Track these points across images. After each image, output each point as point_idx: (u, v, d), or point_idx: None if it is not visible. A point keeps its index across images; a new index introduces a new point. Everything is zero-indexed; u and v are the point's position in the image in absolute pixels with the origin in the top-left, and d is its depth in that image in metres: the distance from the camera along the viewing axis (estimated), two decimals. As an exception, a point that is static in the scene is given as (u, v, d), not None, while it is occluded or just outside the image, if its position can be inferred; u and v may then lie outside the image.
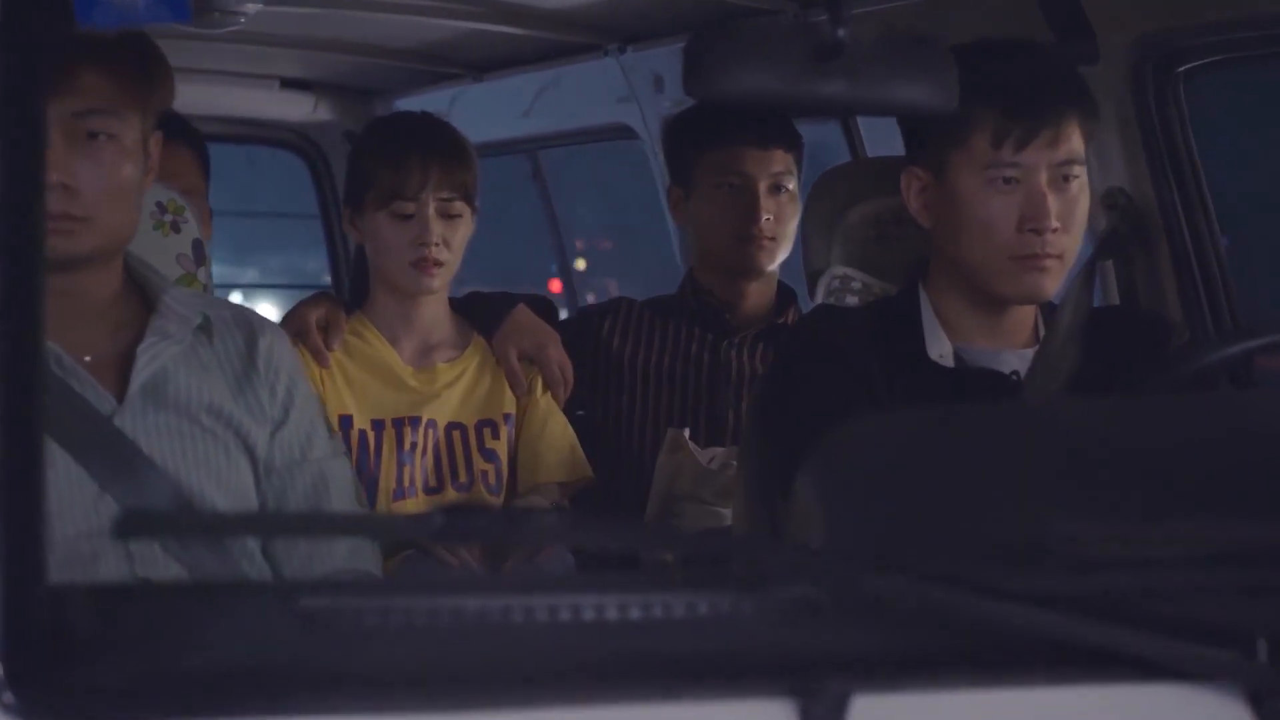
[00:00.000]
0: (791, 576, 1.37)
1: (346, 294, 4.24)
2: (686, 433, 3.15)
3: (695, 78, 1.75)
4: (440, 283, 3.09)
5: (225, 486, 2.20)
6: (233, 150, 5.05)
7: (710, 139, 3.38)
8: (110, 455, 2.10)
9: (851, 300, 2.66)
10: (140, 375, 2.20)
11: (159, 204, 2.48)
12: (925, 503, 1.49)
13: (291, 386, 2.32)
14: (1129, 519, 1.45)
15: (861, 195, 2.75)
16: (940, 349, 2.49)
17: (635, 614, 1.34)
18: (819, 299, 2.69)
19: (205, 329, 2.29)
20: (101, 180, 2.12)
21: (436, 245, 3.01)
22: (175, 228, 2.45)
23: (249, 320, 2.33)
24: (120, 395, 2.19)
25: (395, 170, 3.00)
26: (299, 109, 4.70)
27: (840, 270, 2.68)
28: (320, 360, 3.08)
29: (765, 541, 2.05)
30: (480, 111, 4.55)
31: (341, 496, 2.33)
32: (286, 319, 3.13)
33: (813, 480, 1.47)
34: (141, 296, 2.28)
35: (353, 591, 1.38)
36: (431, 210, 3.01)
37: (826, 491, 1.48)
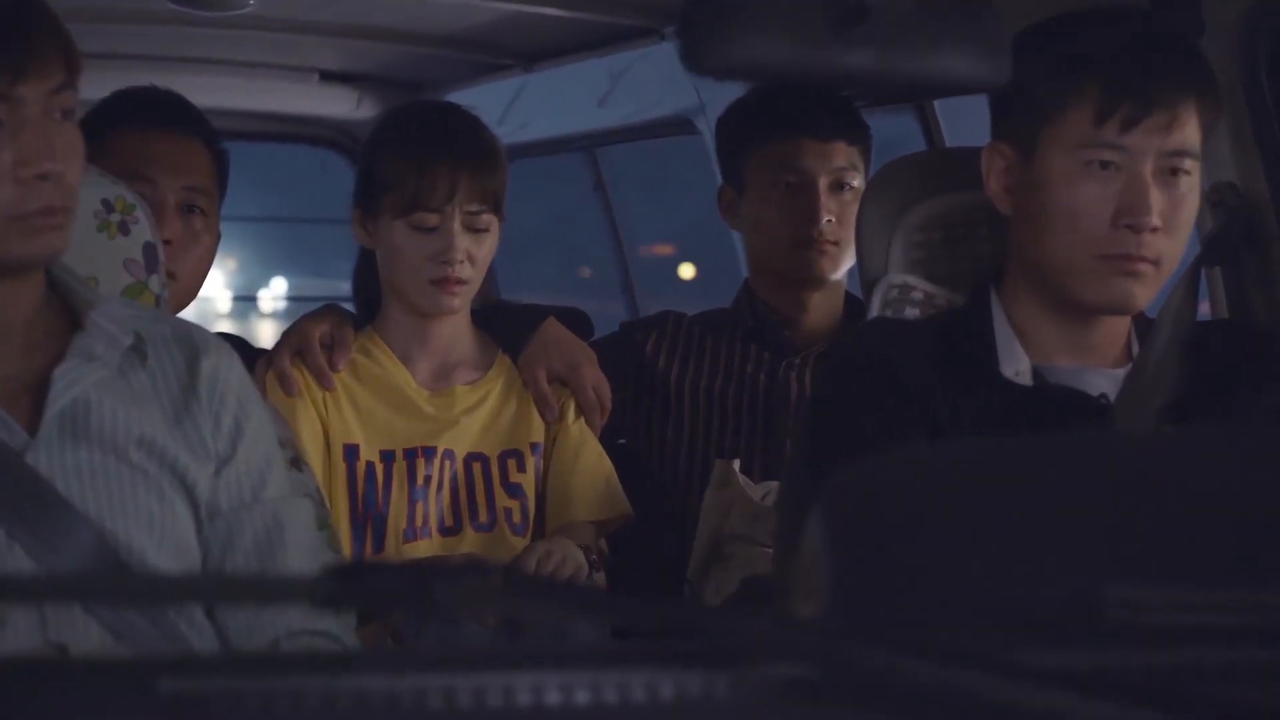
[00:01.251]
0: (780, 651, 1.16)
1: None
2: (737, 464, 2.92)
3: (694, 47, 1.53)
4: (462, 302, 2.84)
5: (158, 534, 1.96)
6: (308, 153, 4.92)
7: (763, 131, 3.13)
8: (20, 498, 1.88)
9: (911, 313, 2.42)
10: (56, 403, 1.96)
11: (104, 201, 2.24)
12: (950, 555, 1.20)
13: (241, 416, 2.08)
14: (1208, 580, 1.18)
15: (925, 192, 2.51)
16: (1016, 365, 2.24)
17: (582, 698, 1.13)
18: (874, 311, 2.46)
19: (138, 349, 2.05)
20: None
21: (461, 263, 2.78)
22: (123, 229, 2.20)
23: (191, 338, 2.08)
24: (33, 428, 1.96)
25: (420, 176, 2.76)
26: (341, 104, 4.51)
27: (899, 278, 2.44)
28: (324, 382, 2.85)
29: (746, 609, 1.82)
30: (533, 105, 4.37)
31: (300, 544, 2.07)
32: (287, 335, 2.90)
33: (818, 526, 1.20)
34: (67, 312, 2.05)
35: (228, 671, 1.18)
36: (457, 223, 2.77)
37: (832, 541, 1.19)
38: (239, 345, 3.04)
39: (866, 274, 2.50)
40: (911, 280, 2.43)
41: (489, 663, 1.14)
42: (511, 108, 4.42)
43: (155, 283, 2.22)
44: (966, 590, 1.22)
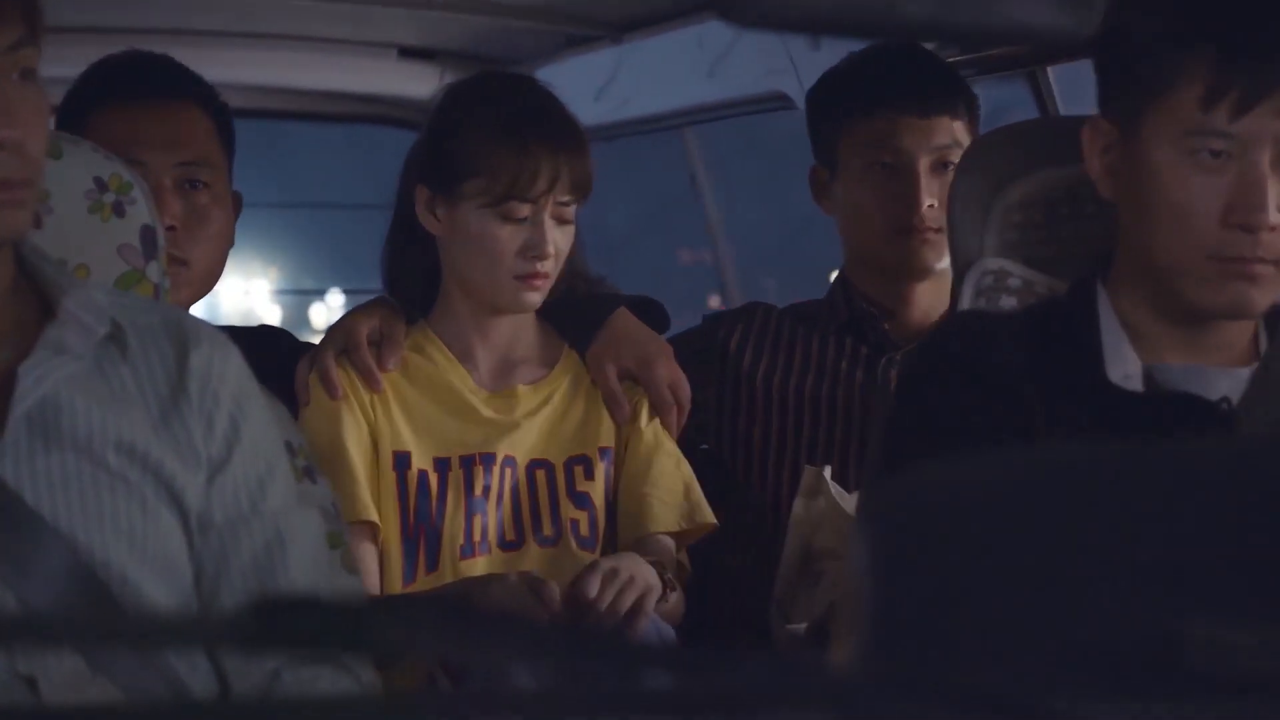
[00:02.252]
0: (802, 701, 1.00)
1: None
2: (828, 471, 2.74)
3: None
4: (542, 299, 2.67)
5: (140, 549, 1.79)
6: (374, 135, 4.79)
7: (857, 105, 2.90)
8: None
9: (1008, 302, 2.24)
10: (22, 402, 1.79)
11: (97, 179, 2.07)
12: (1012, 588, 1.00)
13: (238, 416, 1.89)
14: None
15: (1026, 166, 2.31)
16: (1125, 367, 2.03)
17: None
18: (966, 301, 2.28)
19: (118, 340, 1.87)
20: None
21: (550, 257, 2.62)
22: (118, 210, 2.03)
23: (181, 327, 1.90)
24: None
25: (519, 162, 2.58)
26: (422, 82, 4.29)
27: (994, 263, 2.25)
28: (371, 383, 2.67)
29: (766, 654, 1.65)
30: (633, 79, 4.20)
31: (306, 562, 1.89)
32: (331, 332, 2.70)
33: (858, 549, 1.03)
34: (40, 301, 1.87)
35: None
36: (548, 214, 2.61)
37: (872, 567, 1.02)
38: (284, 342, 2.91)
39: (959, 258, 2.32)
40: (1008, 265, 2.24)
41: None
42: (613, 81, 4.28)
43: (155, 270, 2.06)
44: (1027, 630, 1.06)
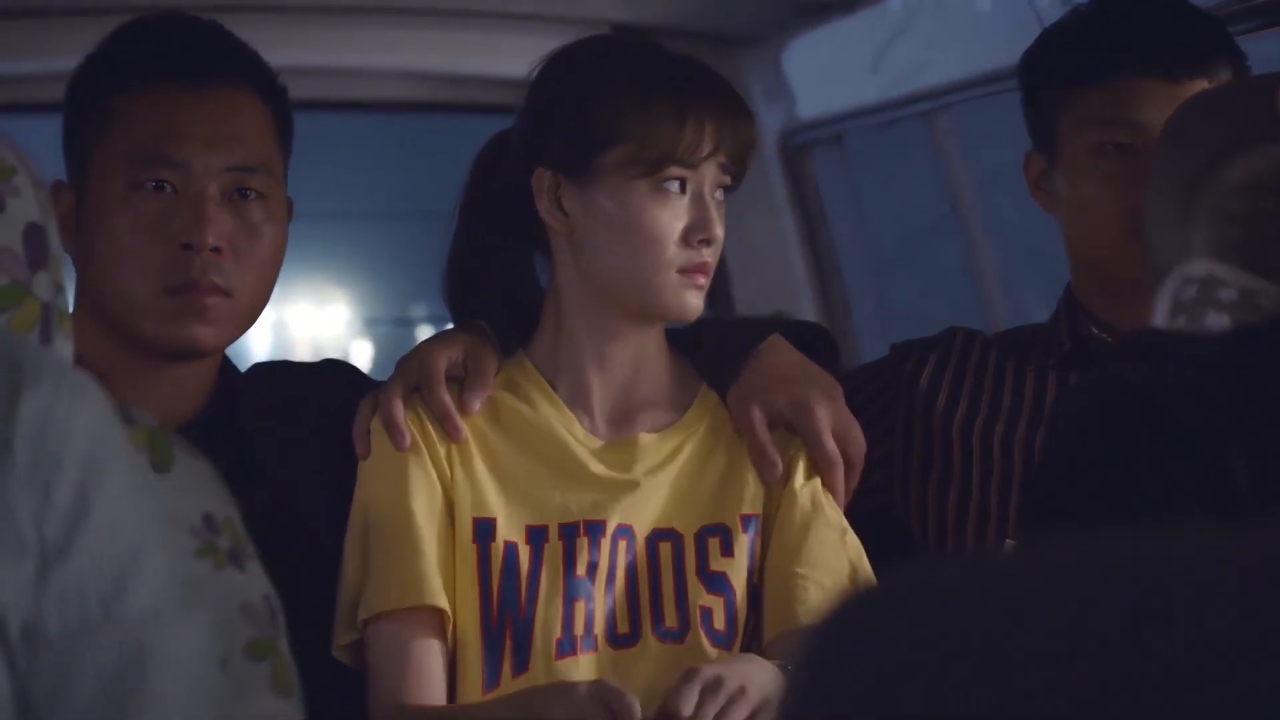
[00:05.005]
0: None
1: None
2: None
3: None
4: (703, 301, 2.22)
5: None
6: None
7: (1083, 67, 2.35)
8: None
9: (1217, 320, 1.68)
10: None
11: None
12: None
13: (89, 483, 1.42)
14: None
15: (1250, 138, 1.75)
16: None
17: None
18: (1162, 316, 1.73)
19: None
20: None
21: (716, 241, 2.20)
22: None
23: (12, 361, 1.42)
24: None
25: (676, 113, 2.18)
26: None
27: (1201, 268, 1.68)
28: (449, 430, 2.19)
29: None
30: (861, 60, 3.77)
31: (178, 688, 1.40)
32: (402, 365, 2.23)
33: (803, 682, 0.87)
34: None
35: None
36: (707, 185, 2.19)
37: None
38: (350, 378, 2.43)
39: (1155, 263, 1.77)
40: (1221, 271, 1.67)
41: None
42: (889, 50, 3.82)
43: (44, 284, 1.54)
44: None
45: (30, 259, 1.54)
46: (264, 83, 2.29)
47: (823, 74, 4.03)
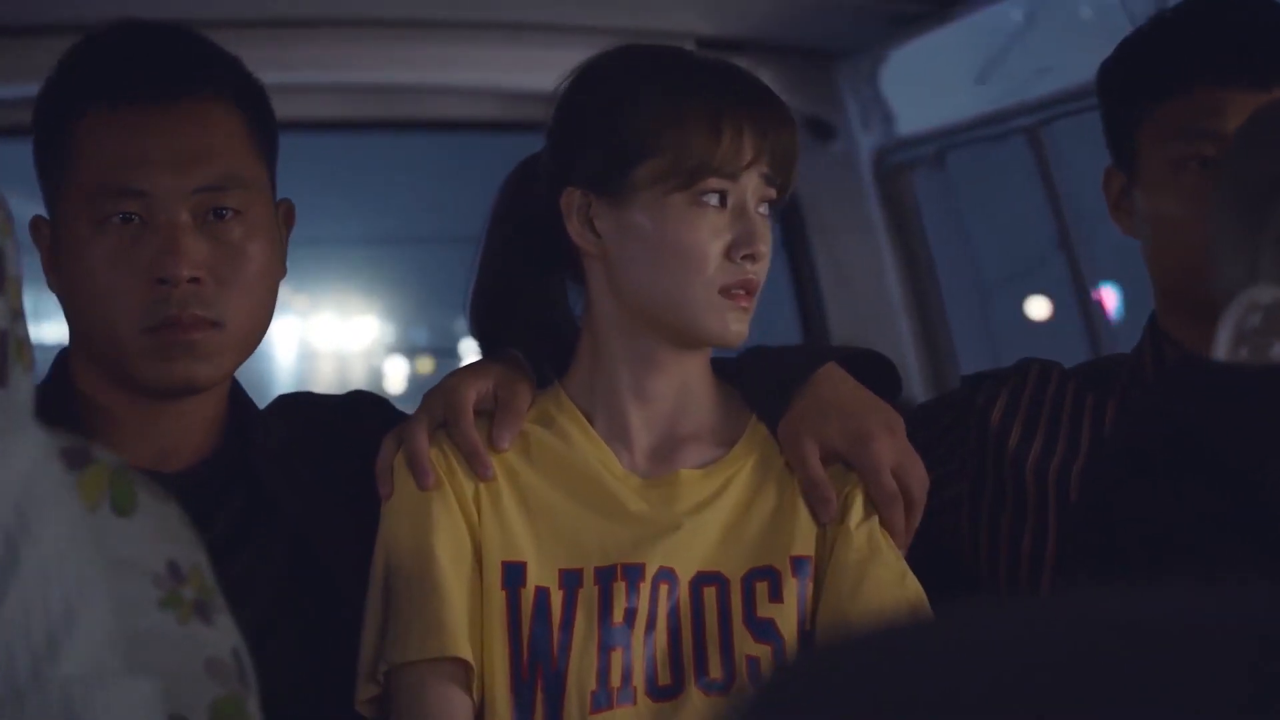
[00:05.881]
0: None
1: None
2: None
3: None
4: (748, 325, 2.08)
5: None
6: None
7: (1164, 76, 2.20)
8: None
9: (1282, 352, 1.55)
10: None
11: None
12: None
13: (17, 534, 1.30)
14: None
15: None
16: None
17: None
18: (1223, 347, 1.58)
19: None
20: None
21: (762, 259, 2.06)
22: None
23: None
24: None
25: (712, 121, 2.05)
26: None
27: (1268, 294, 1.53)
28: (477, 467, 2.06)
29: None
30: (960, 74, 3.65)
31: None
32: (428, 398, 2.11)
33: None
34: None
35: None
36: (750, 198, 2.06)
37: None
38: (377, 412, 2.30)
39: (1219, 286, 1.62)
40: None
41: None
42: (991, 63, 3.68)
43: (1, 312, 1.42)
44: None
45: None
46: (232, 88, 2.14)
47: (922, 89, 3.89)
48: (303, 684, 2.09)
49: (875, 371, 2.21)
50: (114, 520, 1.49)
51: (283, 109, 2.23)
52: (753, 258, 2.04)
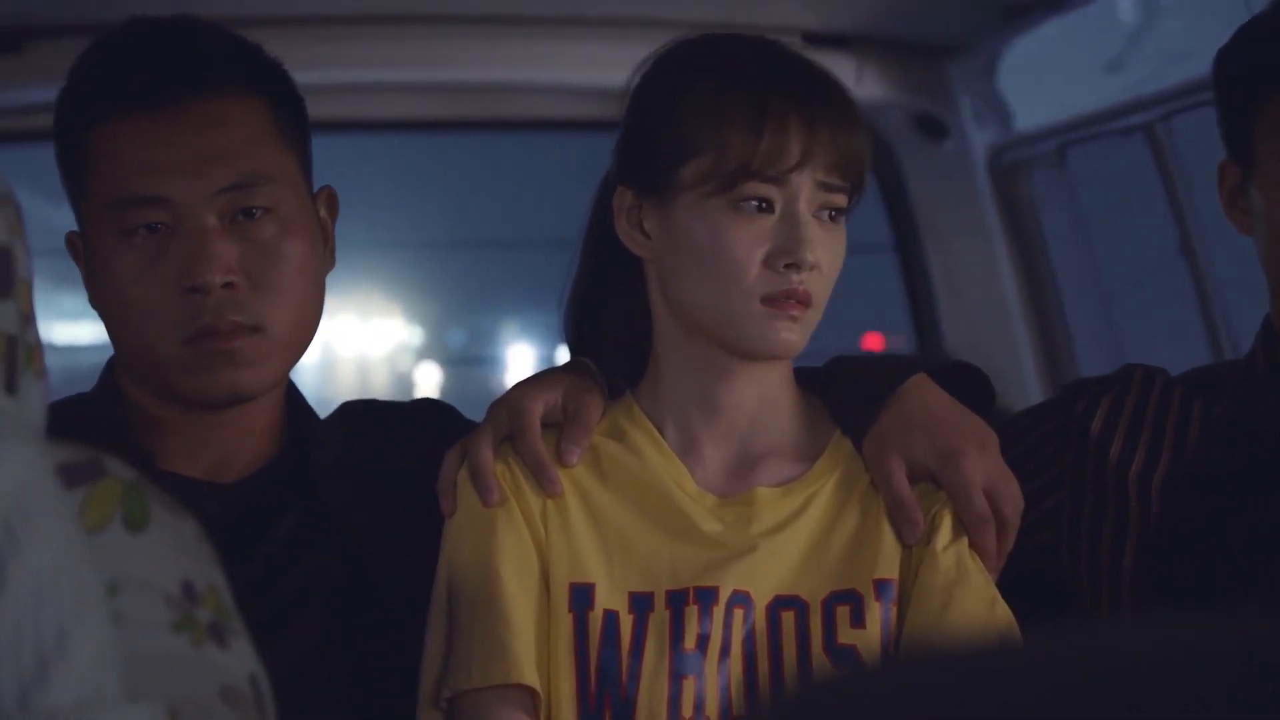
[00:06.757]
0: None
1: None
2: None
3: None
4: (802, 337, 1.97)
5: None
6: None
7: (1277, 69, 2.15)
8: None
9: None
10: None
11: None
12: None
13: (7, 550, 1.24)
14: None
15: None
16: None
17: None
18: None
19: None
20: None
21: (813, 268, 1.94)
22: None
23: None
24: None
25: (755, 120, 1.95)
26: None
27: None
28: (545, 483, 1.99)
29: None
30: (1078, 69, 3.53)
31: None
32: (494, 410, 2.03)
33: None
34: None
35: None
36: (803, 203, 1.95)
37: None
38: (444, 422, 2.22)
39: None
40: None
41: None
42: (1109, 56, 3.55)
43: (10, 317, 1.33)
44: None
45: None
46: (249, 78, 2.06)
47: (1041, 81, 3.77)
48: (352, 707, 2.01)
49: (969, 384, 2.10)
50: (124, 537, 1.42)
51: (318, 109, 2.15)
52: (797, 266, 1.93)
